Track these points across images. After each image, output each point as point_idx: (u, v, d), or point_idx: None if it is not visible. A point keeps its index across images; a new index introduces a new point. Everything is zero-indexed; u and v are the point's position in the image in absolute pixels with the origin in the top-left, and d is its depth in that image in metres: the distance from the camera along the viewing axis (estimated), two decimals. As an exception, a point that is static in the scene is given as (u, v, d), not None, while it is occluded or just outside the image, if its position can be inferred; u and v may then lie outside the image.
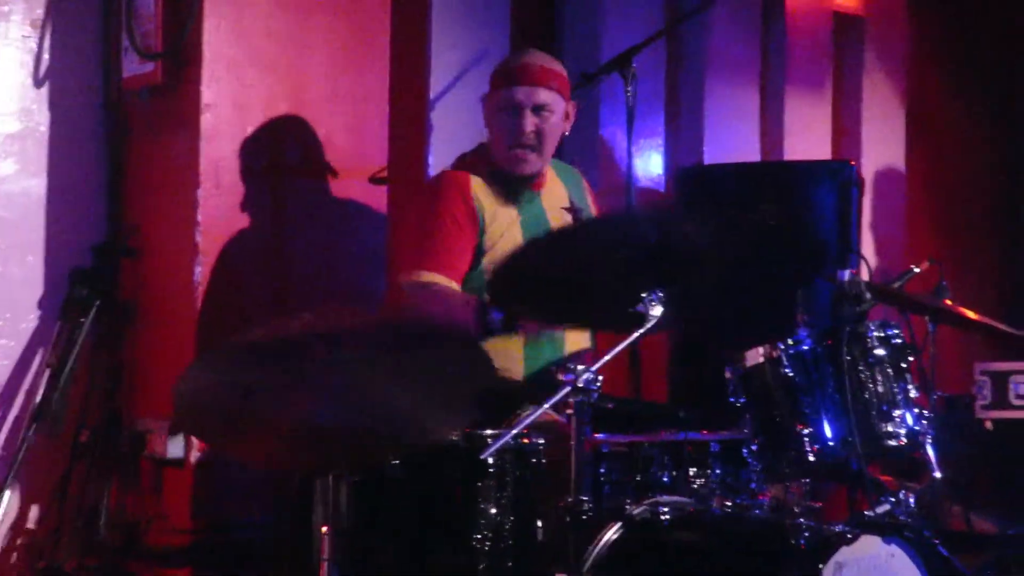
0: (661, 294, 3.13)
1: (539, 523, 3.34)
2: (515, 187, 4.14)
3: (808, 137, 6.51)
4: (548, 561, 3.23)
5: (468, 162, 4.23)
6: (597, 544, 3.28)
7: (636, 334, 3.10)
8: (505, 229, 4.05)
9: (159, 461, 4.28)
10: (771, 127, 6.39)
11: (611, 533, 3.30)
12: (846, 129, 6.84)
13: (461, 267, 4.01)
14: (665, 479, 3.64)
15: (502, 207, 4.10)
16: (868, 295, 3.52)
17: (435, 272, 3.97)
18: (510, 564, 3.28)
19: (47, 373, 4.28)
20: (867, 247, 6.22)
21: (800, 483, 3.63)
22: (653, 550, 3.30)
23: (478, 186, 4.10)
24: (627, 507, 3.36)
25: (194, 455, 4.21)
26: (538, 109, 4.07)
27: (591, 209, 4.36)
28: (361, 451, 3.03)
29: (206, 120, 4.25)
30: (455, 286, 3.97)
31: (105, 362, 4.41)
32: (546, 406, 2.95)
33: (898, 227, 6.93)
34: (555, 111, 4.10)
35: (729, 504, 3.53)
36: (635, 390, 4.53)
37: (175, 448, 4.24)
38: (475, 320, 3.78)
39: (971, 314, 4.09)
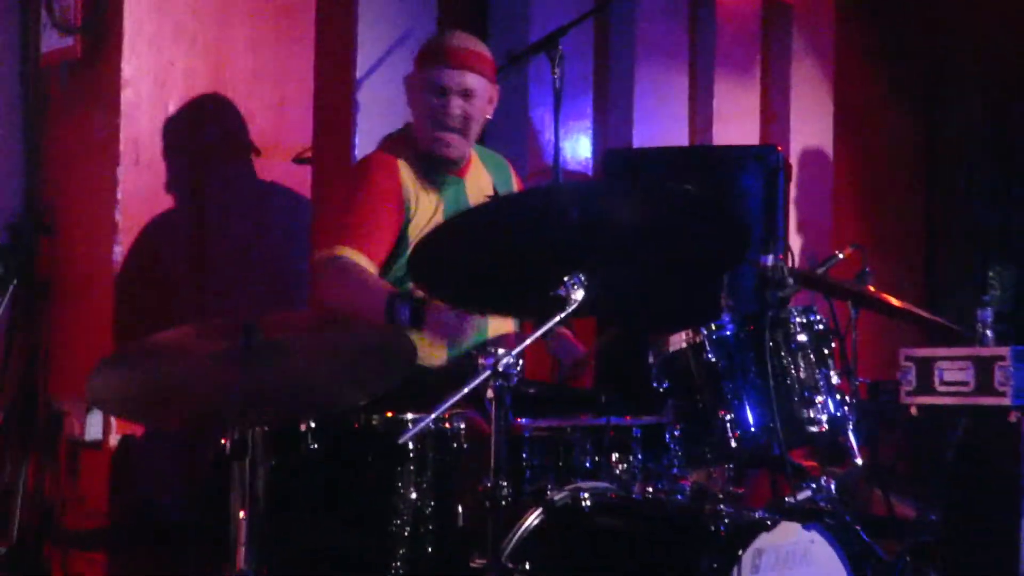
0: (582, 277, 3.10)
1: (459, 508, 3.32)
2: (439, 172, 4.10)
3: (737, 122, 6.51)
4: (468, 546, 3.21)
5: (394, 143, 4.19)
6: (518, 529, 3.26)
7: (556, 318, 3.07)
8: (430, 216, 4.01)
9: (77, 443, 4.21)
10: (700, 111, 6.40)
11: (532, 518, 3.29)
12: (774, 114, 6.85)
13: (380, 248, 3.95)
14: (587, 464, 3.62)
15: (426, 193, 4.06)
16: (791, 280, 3.52)
17: (351, 248, 3.91)
18: (430, 549, 3.26)
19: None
20: (794, 232, 6.25)
21: (723, 469, 3.64)
22: (574, 536, 3.28)
23: (405, 170, 4.06)
24: (548, 492, 3.34)
25: (113, 438, 4.15)
26: (465, 93, 4.04)
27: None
28: (273, 415, 3.03)
29: (126, 96, 4.18)
30: (371, 265, 3.92)
31: (21, 342, 4.34)
32: (465, 390, 2.92)
33: (825, 213, 6.96)
34: (481, 96, 4.07)
35: (651, 490, 3.51)
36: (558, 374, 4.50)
37: (93, 430, 4.17)
38: (384, 313, 3.74)
39: (893, 300, 4.11)
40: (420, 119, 4.10)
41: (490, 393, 2.98)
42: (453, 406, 3.01)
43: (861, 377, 3.97)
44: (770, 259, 3.55)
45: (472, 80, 4.04)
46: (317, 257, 3.98)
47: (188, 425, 3.36)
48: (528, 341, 3.08)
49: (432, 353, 3.97)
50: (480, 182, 4.21)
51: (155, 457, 4.17)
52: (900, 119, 7.49)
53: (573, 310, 3.09)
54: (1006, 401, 4.54)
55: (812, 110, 6.92)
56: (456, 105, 4.03)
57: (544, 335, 3.15)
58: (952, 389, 5.10)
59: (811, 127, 6.92)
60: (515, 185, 4.38)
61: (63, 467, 4.26)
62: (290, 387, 3.01)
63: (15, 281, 4.27)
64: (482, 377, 2.95)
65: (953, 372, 5.30)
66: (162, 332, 3.07)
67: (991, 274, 7.32)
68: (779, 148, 5.46)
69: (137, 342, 3.23)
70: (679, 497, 3.48)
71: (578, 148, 5.87)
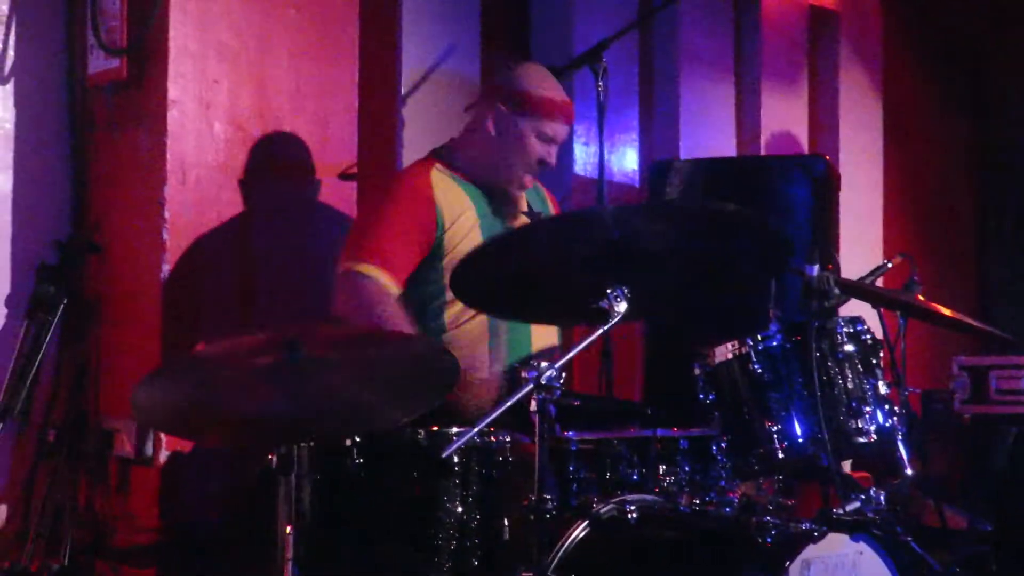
0: (625, 290, 3.09)
1: (505, 522, 3.31)
2: (484, 195, 4.11)
3: (784, 131, 6.49)
4: (514, 560, 3.20)
5: (436, 157, 4.19)
6: (563, 543, 3.25)
7: (599, 331, 3.06)
8: (467, 232, 4.01)
9: (127, 460, 4.24)
10: (746, 121, 6.38)
11: (577, 531, 3.27)
12: (823, 124, 6.82)
13: (402, 266, 3.94)
14: (634, 477, 3.60)
15: (463, 210, 4.06)
16: (836, 290, 3.49)
17: (374, 265, 3.91)
18: (475, 563, 3.26)
19: (12, 371, 4.23)
20: (844, 242, 6.19)
21: (772, 480, 3.61)
22: (619, 549, 3.26)
23: (441, 188, 4.06)
24: (594, 505, 3.33)
25: (162, 454, 4.17)
26: (559, 143, 4.15)
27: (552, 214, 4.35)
28: (317, 433, 3.04)
29: (172, 116, 4.21)
30: (393, 283, 3.91)
31: (71, 360, 4.38)
32: (509, 403, 2.92)
33: (875, 222, 6.92)
34: None
35: (697, 502, 3.50)
36: (607, 388, 4.49)
37: (144, 448, 4.20)
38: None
39: (943, 309, 4.06)
40: (510, 157, 4.08)
41: (533, 406, 2.97)
42: (499, 421, 3.01)
43: (912, 387, 3.92)
44: (816, 269, 3.52)
45: (567, 132, 4.17)
46: (340, 269, 3.99)
47: (231, 442, 3.36)
48: (572, 354, 3.07)
49: (472, 365, 3.97)
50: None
51: (204, 473, 4.19)
52: (951, 126, 7.44)
53: (615, 321, 3.09)
54: (1062, 410, 4.49)
55: (861, 118, 6.88)
56: (555, 155, 4.12)
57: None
58: (1006, 398, 5.06)
59: (860, 136, 6.88)
60: (551, 204, 4.39)
61: (113, 485, 4.29)
62: (333, 404, 3.00)
63: (65, 300, 4.30)
64: (525, 390, 2.95)
65: (1007, 381, 5.25)
66: (206, 346, 3.08)
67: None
68: (827, 157, 5.43)
69: (180, 357, 3.25)
70: (726, 509, 3.46)
71: (624, 160, 5.86)
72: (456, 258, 3.80)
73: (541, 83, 4.11)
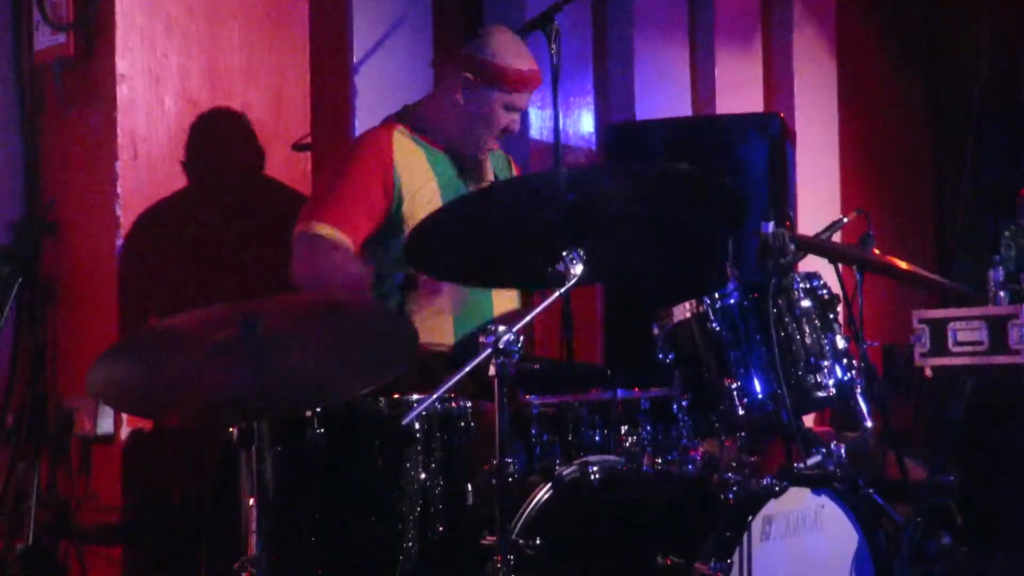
0: (581, 252, 3.09)
1: (468, 487, 3.31)
2: (449, 159, 4.10)
3: (740, 92, 6.48)
4: (479, 525, 3.21)
5: (395, 121, 4.18)
6: (527, 506, 3.25)
7: (556, 294, 3.06)
8: (425, 205, 4.00)
9: (88, 439, 4.22)
10: (701, 82, 6.37)
11: (541, 495, 3.27)
12: (777, 83, 6.82)
13: (361, 227, 3.95)
14: (596, 439, 3.61)
15: (424, 181, 4.06)
16: (792, 247, 3.49)
17: (330, 225, 3.91)
18: (440, 529, 3.26)
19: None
20: (801, 199, 6.21)
21: (734, 437, 3.62)
22: (583, 510, 3.27)
23: (403, 153, 4.05)
24: (556, 468, 3.33)
25: (123, 432, 4.16)
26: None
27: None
28: (276, 408, 3.02)
29: (121, 91, 4.18)
30: (349, 242, 3.91)
31: (28, 341, 4.35)
32: (466, 368, 2.91)
33: (831, 178, 6.93)
34: None
35: (660, 462, 3.50)
36: (568, 351, 4.49)
37: (104, 425, 4.18)
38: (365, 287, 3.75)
39: (899, 263, 4.08)
40: (475, 125, 4.11)
41: (492, 371, 2.97)
42: (459, 387, 3.01)
43: (871, 341, 3.94)
44: (771, 227, 3.53)
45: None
46: (295, 231, 3.97)
47: (190, 420, 3.34)
48: (528, 318, 3.07)
49: (438, 334, 3.97)
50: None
51: (166, 449, 4.17)
52: (905, 82, 7.45)
53: (573, 284, 3.09)
54: (1021, 360, 4.50)
55: (815, 77, 6.88)
56: (518, 121, 4.16)
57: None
58: (966, 350, 5.07)
59: (815, 94, 6.88)
60: (513, 171, 4.39)
61: (75, 464, 4.27)
62: (292, 378, 2.98)
63: (20, 280, 4.27)
64: (483, 355, 2.95)
65: (967, 332, 5.27)
66: (160, 321, 3.06)
67: (1006, 233, 7.29)
68: (781, 115, 5.44)
69: (136, 334, 3.23)
70: (689, 468, 3.47)
71: (580, 124, 5.85)
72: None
73: (511, 53, 4.11)
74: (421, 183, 4.04)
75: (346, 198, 3.95)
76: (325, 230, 3.89)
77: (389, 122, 4.18)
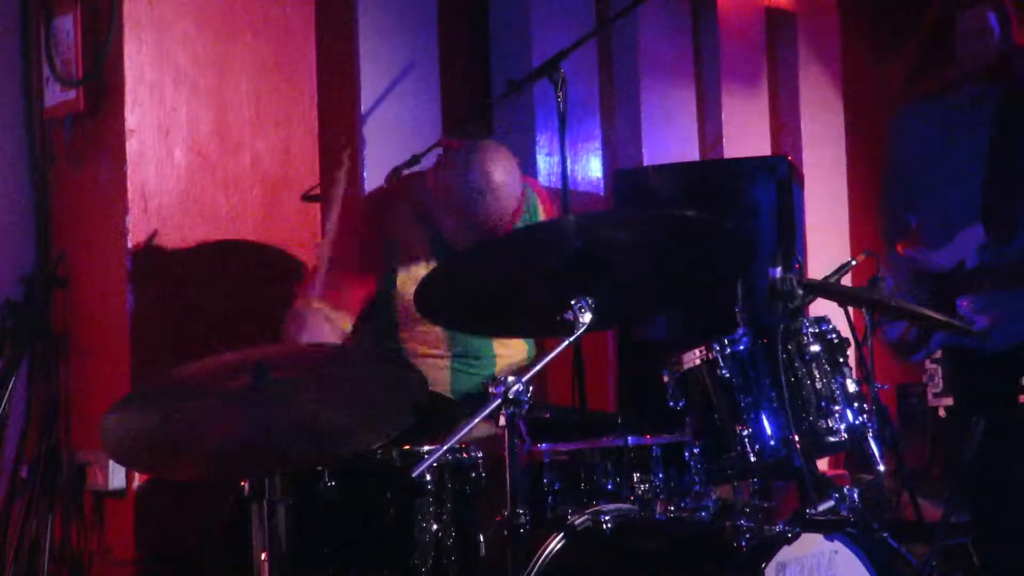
0: (589, 300, 3.10)
1: (481, 538, 3.31)
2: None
3: (747, 134, 6.51)
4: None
5: (402, 185, 4.18)
6: (540, 556, 3.25)
7: (564, 343, 3.07)
8: (421, 266, 4.02)
9: (100, 493, 4.23)
10: (708, 125, 6.39)
11: (553, 544, 3.27)
12: (784, 124, 6.84)
13: (354, 302, 3.97)
14: (609, 486, 3.61)
15: (417, 243, 4.06)
16: (800, 291, 3.49)
17: (327, 303, 3.90)
18: (453, 580, 3.25)
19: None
20: (810, 240, 6.21)
21: (748, 483, 3.61)
22: (595, 560, 3.27)
23: (400, 218, 4.06)
24: (569, 517, 3.33)
25: (136, 485, 4.16)
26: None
27: (541, 215, 4.31)
28: (288, 462, 3.01)
29: (131, 145, 4.21)
30: (344, 319, 3.93)
31: (42, 395, 4.36)
32: (476, 420, 2.91)
33: (840, 219, 6.94)
34: None
35: (673, 508, 3.50)
36: (580, 399, 4.49)
37: (117, 479, 4.19)
38: None
39: (908, 305, 4.08)
40: (450, 211, 3.98)
41: (502, 421, 2.97)
42: (470, 436, 3.01)
43: (882, 383, 3.93)
44: (779, 271, 3.53)
45: None
46: (292, 307, 3.95)
47: (202, 474, 3.34)
48: (538, 367, 3.07)
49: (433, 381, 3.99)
50: None
51: (178, 503, 4.17)
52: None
53: (582, 332, 3.09)
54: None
55: (822, 117, 6.91)
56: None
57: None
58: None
59: (822, 134, 6.90)
60: (541, 211, 4.34)
61: (89, 518, 4.27)
62: (303, 430, 2.98)
63: (32, 334, 4.29)
64: (493, 405, 2.95)
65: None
66: (172, 371, 3.07)
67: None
68: (788, 157, 5.44)
69: (147, 385, 3.23)
70: (702, 514, 3.46)
71: (588, 169, 5.87)
72: (408, 271, 3.83)
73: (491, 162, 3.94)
74: (414, 246, 4.04)
75: (344, 278, 3.95)
76: (325, 308, 3.89)
77: (400, 183, 4.18)
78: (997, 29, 4.46)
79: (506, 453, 2.97)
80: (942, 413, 6.54)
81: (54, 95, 4.35)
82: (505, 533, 2.98)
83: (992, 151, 4.43)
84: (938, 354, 5.37)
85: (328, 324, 3.89)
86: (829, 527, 3.20)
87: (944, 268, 4.48)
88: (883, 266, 4.65)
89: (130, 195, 4.20)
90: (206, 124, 4.36)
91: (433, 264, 3.97)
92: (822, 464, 6.22)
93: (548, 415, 3.70)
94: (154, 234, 4.23)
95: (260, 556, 3.10)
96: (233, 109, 4.43)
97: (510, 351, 4.16)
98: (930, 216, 4.60)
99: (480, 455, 3.35)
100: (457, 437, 2.94)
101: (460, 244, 3.94)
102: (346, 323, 3.93)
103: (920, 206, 4.65)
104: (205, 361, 3.16)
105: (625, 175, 5.63)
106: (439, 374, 4.02)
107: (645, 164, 5.95)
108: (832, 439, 3.48)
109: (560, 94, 4.58)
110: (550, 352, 3.10)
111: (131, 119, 4.21)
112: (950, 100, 4.59)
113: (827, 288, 3.75)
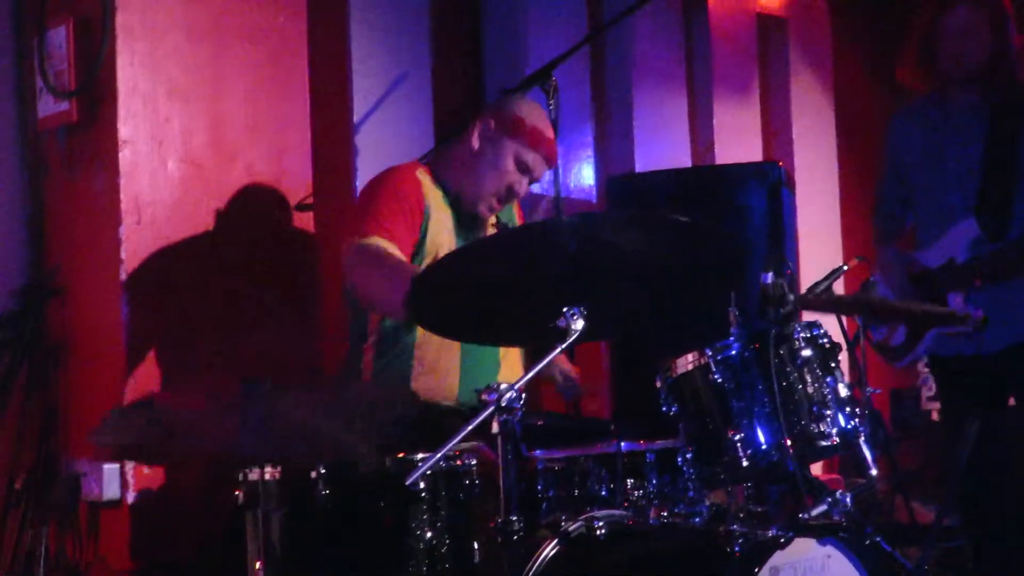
0: (582, 308, 3.10)
1: (475, 545, 3.32)
2: (454, 212, 4.14)
3: (739, 140, 6.53)
4: (486, 583, 3.22)
5: (420, 164, 4.22)
6: (534, 563, 3.25)
7: (556, 350, 3.08)
8: (445, 240, 4.06)
9: (96, 503, 4.24)
10: (700, 132, 6.41)
11: (547, 551, 3.27)
12: (776, 130, 6.86)
13: (405, 241, 3.98)
14: (603, 492, 3.61)
15: (443, 211, 4.11)
16: (791, 296, 3.50)
17: (376, 236, 3.92)
18: (448, 588, 3.26)
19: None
20: (803, 246, 6.23)
21: (742, 488, 3.62)
22: (589, 566, 3.27)
23: (427, 185, 4.10)
24: (563, 523, 3.33)
25: (130, 495, 4.17)
26: (534, 180, 4.19)
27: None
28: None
29: (124, 156, 4.22)
30: (397, 250, 3.94)
31: (37, 405, 4.37)
32: (469, 427, 2.92)
33: (832, 224, 6.96)
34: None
35: (666, 514, 3.50)
36: (575, 405, 4.50)
37: (111, 489, 4.19)
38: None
39: (900, 306, 4.09)
40: (485, 173, 4.12)
41: (495, 428, 2.98)
42: (461, 443, 3.01)
43: (875, 387, 3.94)
44: (770, 277, 3.54)
45: (544, 173, 4.19)
46: (348, 245, 3.98)
47: (196, 465, 3.36)
48: (530, 374, 3.07)
49: (442, 381, 4.00)
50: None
51: (173, 512, 4.18)
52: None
53: (574, 340, 3.10)
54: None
55: (814, 123, 6.93)
56: (526, 188, 4.15)
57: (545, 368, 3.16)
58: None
59: (814, 140, 6.93)
60: (517, 219, 4.41)
61: (84, 529, 4.28)
62: (293, 444, 3.00)
63: (27, 345, 4.30)
64: (486, 413, 2.96)
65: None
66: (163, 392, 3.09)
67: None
68: (780, 163, 5.46)
69: (138, 403, 3.25)
70: (696, 520, 3.47)
71: (581, 176, 5.89)
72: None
73: (532, 113, 4.15)
74: (441, 213, 4.08)
75: (388, 215, 3.97)
76: (373, 240, 3.92)
77: (413, 162, 4.22)
78: (987, 30, 4.46)
79: (500, 460, 2.98)
80: (935, 417, 6.56)
81: (47, 106, 4.36)
82: (499, 540, 2.99)
83: (986, 148, 4.44)
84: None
85: (389, 255, 3.90)
86: (822, 531, 3.21)
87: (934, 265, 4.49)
88: (875, 270, 4.66)
89: (124, 205, 4.21)
90: (199, 134, 4.38)
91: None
92: (816, 468, 6.24)
93: (541, 422, 3.71)
94: (148, 244, 4.24)
95: (255, 564, 3.11)
96: (226, 119, 4.45)
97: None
98: (926, 216, 4.60)
99: (473, 462, 3.36)
100: (450, 444, 2.95)
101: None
102: (400, 253, 3.95)
103: (916, 206, 4.66)
104: (195, 382, 3.18)
105: (618, 181, 5.65)
106: (447, 382, 4.04)
107: (637, 171, 5.97)
108: (824, 443, 3.48)
109: (552, 102, 4.61)
110: (542, 359, 3.11)
111: (124, 130, 4.22)
112: (948, 99, 4.59)
113: (816, 303, 3.73)
